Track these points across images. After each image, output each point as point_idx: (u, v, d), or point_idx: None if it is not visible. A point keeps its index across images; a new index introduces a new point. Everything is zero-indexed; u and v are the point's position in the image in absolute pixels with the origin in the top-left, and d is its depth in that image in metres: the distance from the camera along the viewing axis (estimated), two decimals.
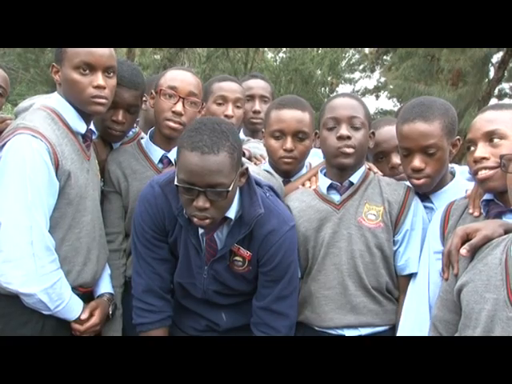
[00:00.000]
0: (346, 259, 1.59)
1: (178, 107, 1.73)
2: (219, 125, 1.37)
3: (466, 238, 1.21)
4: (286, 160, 1.77)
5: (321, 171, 1.73)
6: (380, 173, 1.76)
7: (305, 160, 1.87)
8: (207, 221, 1.37)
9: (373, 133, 1.67)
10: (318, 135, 1.67)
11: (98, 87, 1.51)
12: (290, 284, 1.53)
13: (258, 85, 2.38)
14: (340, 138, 1.57)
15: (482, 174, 1.35)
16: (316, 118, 1.82)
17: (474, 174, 1.38)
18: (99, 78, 1.51)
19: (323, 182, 1.68)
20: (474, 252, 1.18)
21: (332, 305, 1.60)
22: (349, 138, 1.57)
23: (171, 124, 1.74)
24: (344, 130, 1.57)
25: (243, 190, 1.48)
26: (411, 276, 1.56)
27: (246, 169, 1.45)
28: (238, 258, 1.51)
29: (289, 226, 1.50)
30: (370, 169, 1.73)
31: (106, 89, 1.53)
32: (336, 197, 1.65)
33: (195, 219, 1.38)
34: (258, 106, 2.31)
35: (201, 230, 1.50)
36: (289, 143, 1.75)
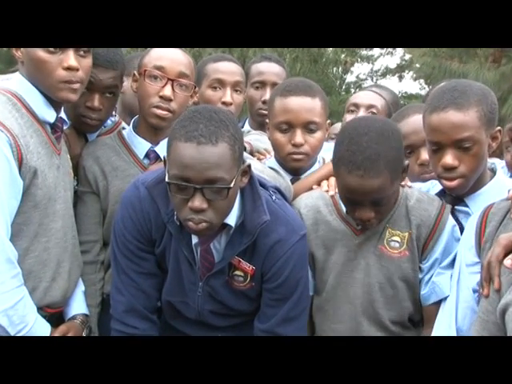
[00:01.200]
0: (361, 293, 1.60)
1: (167, 91, 1.72)
2: (217, 113, 1.38)
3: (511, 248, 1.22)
4: (295, 156, 1.77)
5: None
6: (409, 184, 1.70)
7: (317, 155, 1.86)
8: (204, 225, 1.36)
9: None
10: (331, 122, 1.66)
11: (69, 69, 1.50)
12: (299, 304, 1.53)
13: (271, 70, 2.37)
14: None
15: None
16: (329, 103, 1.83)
17: None
18: (70, 58, 1.49)
19: None
20: None
21: None
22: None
23: (158, 111, 1.74)
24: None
25: (245, 192, 1.49)
26: (437, 304, 1.56)
27: (249, 166, 1.45)
28: (238, 273, 1.52)
29: (299, 236, 1.50)
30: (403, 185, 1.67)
31: (80, 71, 1.52)
32: None
33: (190, 223, 1.36)
34: (268, 95, 2.27)
35: (194, 240, 1.51)
36: (298, 137, 1.74)
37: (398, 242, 1.59)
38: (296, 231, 1.51)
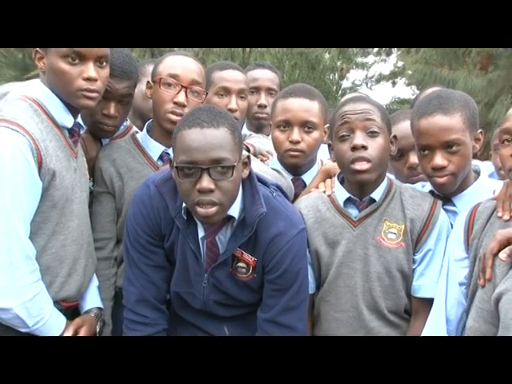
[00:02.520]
0: (361, 282, 1.61)
1: (181, 97, 1.75)
2: (215, 108, 1.45)
3: (506, 243, 1.24)
4: (292, 153, 1.81)
5: (338, 176, 1.72)
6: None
7: (314, 154, 1.89)
8: (214, 209, 1.37)
9: (395, 137, 1.66)
10: (332, 147, 1.67)
11: (88, 79, 1.51)
12: (299, 294, 1.54)
13: (265, 76, 2.40)
14: (355, 148, 1.55)
15: None
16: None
17: (511, 169, 1.39)
18: (90, 69, 1.51)
19: (340, 194, 1.68)
20: None
21: (343, 329, 1.63)
22: (364, 147, 1.55)
23: (173, 117, 1.75)
24: (359, 139, 1.55)
25: (245, 188, 1.51)
26: (425, 299, 1.59)
27: (248, 157, 1.48)
28: (241, 265, 1.53)
29: (297, 230, 1.51)
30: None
31: (98, 81, 1.53)
32: (353, 211, 1.65)
33: (199, 209, 1.38)
34: (263, 99, 2.34)
35: (201, 234, 1.52)
36: (295, 134, 1.79)
37: (394, 233, 1.61)
38: (295, 225, 1.52)
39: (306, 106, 1.80)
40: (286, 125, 1.81)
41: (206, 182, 1.35)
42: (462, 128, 1.58)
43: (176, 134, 1.41)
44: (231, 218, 1.49)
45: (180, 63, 1.79)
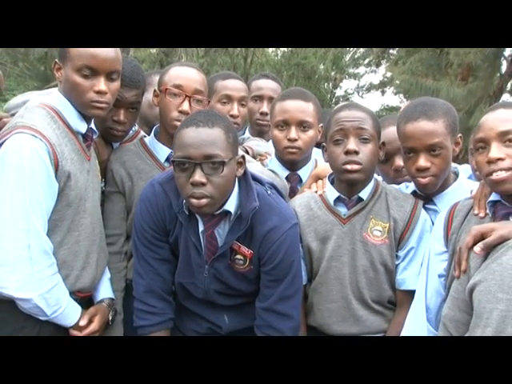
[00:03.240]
0: (348, 274, 1.63)
1: (185, 106, 1.76)
2: (213, 111, 1.51)
3: (481, 238, 1.26)
4: (290, 150, 1.84)
5: (329, 177, 1.75)
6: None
7: (309, 151, 1.92)
8: (204, 200, 1.40)
9: (383, 143, 1.69)
10: (326, 148, 1.69)
11: (99, 92, 1.52)
12: (293, 284, 1.55)
13: (268, 85, 2.41)
14: (347, 152, 1.58)
15: (498, 175, 1.35)
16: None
17: (487, 175, 1.39)
18: (101, 84, 1.52)
19: (331, 193, 1.70)
20: (489, 251, 1.22)
21: (335, 318, 1.65)
22: (356, 152, 1.57)
23: (179, 124, 1.74)
24: (352, 145, 1.58)
25: (241, 185, 1.53)
26: (408, 291, 1.60)
27: (243, 157, 1.50)
28: (239, 257, 1.54)
29: (290, 224, 1.53)
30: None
31: (108, 93, 1.55)
32: (343, 209, 1.68)
33: (193, 200, 1.40)
34: (265, 107, 2.34)
35: (201, 228, 1.53)
36: (292, 133, 1.82)
37: (380, 231, 1.63)
38: (288, 220, 1.53)
39: (301, 107, 1.84)
40: (284, 124, 1.85)
41: (198, 176, 1.38)
42: (444, 133, 1.59)
43: (176, 133, 1.45)
44: (228, 212, 1.51)
45: (184, 74, 1.80)
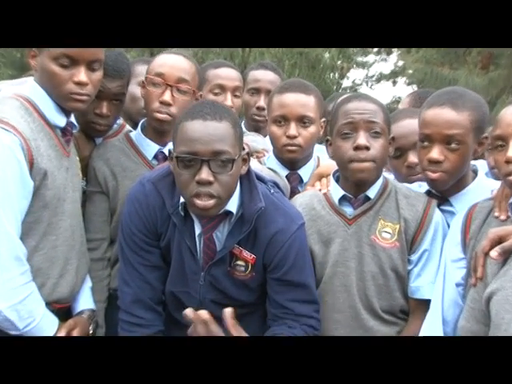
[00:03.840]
0: (355, 281, 1.62)
1: (166, 96, 1.75)
2: (218, 102, 1.51)
3: (499, 242, 1.25)
4: (289, 148, 1.83)
5: (333, 175, 1.74)
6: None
7: (311, 149, 1.91)
8: (212, 201, 1.39)
9: (393, 138, 1.68)
10: (331, 143, 1.68)
11: (79, 83, 1.51)
12: (311, 289, 1.57)
13: (266, 77, 2.40)
14: (357, 148, 1.56)
15: None
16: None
17: (506, 175, 1.39)
18: (81, 74, 1.51)
19: (336, 192, 1.69)
20: (507, 256, 1.22)
21: (342, 330, 1.63)
22: (367, 148, 1.56)
23: (159, 115, 1.76)
24: (362, 139, 1.56)
25: (243, 184, 1.52)
26: (423, 300, 1.59)
27: (248, 153, 1.50)
28: (240, 263, 1.54)
29: (297, 225, 1.53)
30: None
31: (89, 85, 1.54)
32: (348, 209, 1.66)
33: (197, 201, 1.39)
34: (262, 101, 2.33)
35: (197, 230, 1.53)
36: (292, 129, 1.81)
37: (389, 233, 1.62)
38: (294, 221, 1.53)
39: (302, 101, 1.82)
40: (283, 120, 1.83)
41: (205, 174, 1.37)
42: (467, 127, 1.58)
43: (178, 125, 1.43)
44: (229, 213, 1.50)
45: (168, 61, 1.80)
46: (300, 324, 1.55)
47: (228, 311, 1.44)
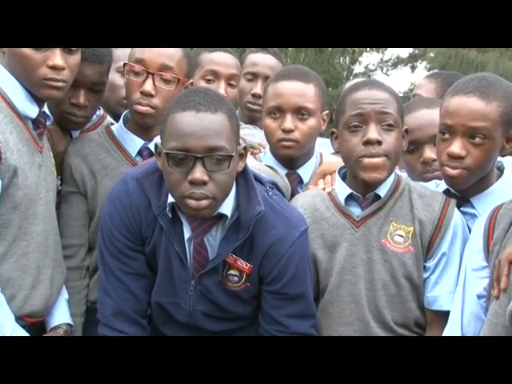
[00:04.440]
0: (364, 290, 1.61)
1: (147, 86, 1.72)
2: (211, 90, 1.49)
3: None
4: (284, 143, 1.81)
5: (339, 172, 1.72)
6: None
7: (310, 145, 1.89)
8: (205, 202, 1.38)
9: (406, 130, 1.66)
10: (337, 136, 1.67)
11: (53, 68, 1.51)
12: (309, 301, 1.57)
13: (266, 62, 2.40)
14: (368, 142, 1.54)
15: None
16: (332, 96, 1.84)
17: None
18: (57, 57, 1.51)
19: (342, 190, 1.67)
20: None
21: None
22: (379, 142, 1.55)
23: (139, 108, 1.74)
24: (373, 133, 1.54)
25: (239, 184, 1.51)
26: (441, 312, 1.59)
27: (245, 148, 1.49)
28: (233, 272, 1.53)
29: (299, 232, 1.52)
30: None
31: (66, 69, 1.53)
32: (356, 210, 1.65)
33: (190, 201, 1.38)
34: (259, 88, 2.32)
35: (187, 235, 1.52)
36: (287, 122, 1.79)
37: (402, 236, 1.60)
38: (296, 227, 1.53)
39: (300, 90, 1.80)
40: (278, 111, 1.81)
41: (199, 173, 1.35)
42: (496, 120, 1.56)
43: (167, 116, 1.41)
44: (223, 216, 1.49)
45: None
46: None
47: None
